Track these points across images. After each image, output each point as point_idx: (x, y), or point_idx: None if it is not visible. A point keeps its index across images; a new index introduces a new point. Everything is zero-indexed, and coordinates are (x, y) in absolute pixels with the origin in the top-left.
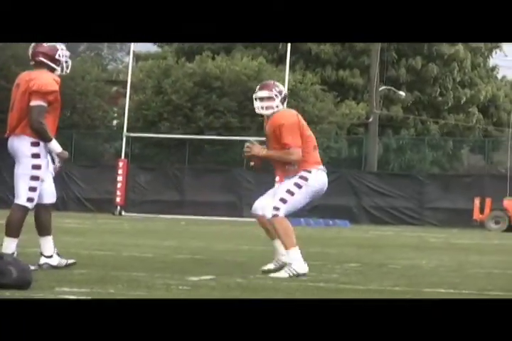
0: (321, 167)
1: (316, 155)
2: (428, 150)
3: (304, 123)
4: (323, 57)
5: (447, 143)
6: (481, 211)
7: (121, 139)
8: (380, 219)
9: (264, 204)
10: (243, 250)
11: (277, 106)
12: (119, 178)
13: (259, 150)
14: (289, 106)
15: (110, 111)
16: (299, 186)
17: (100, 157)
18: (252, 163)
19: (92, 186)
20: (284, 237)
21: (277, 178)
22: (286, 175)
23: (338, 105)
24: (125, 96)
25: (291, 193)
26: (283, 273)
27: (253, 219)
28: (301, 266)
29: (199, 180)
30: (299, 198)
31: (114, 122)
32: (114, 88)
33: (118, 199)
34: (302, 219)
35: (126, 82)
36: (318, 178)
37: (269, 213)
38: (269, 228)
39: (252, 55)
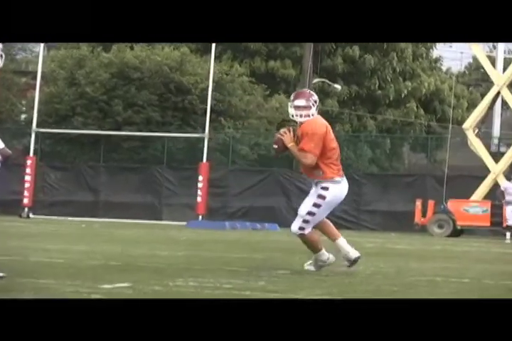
0: (341, 178)
1: (338, 166)
2: (365, 148)
3: (332, 135)
4: (251, 47)
5: (386, 141)
6: (423, 214)
7: (30, 135)
8: None
9: (292, 224)
10: (162, 255)
11: (313, 115)
12: (27, 177)
13: (289, 141)
14: (215, 99)
15: (18, 105)
16: (319, 206)
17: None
18: (275, 146)
19: None
20: (311, 247)
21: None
22: (312, 177)
23: (268, 99)
24: (35, 89)
25: (312, 214)
26: (311, 267)
27: (173, 222)
28: (326, 262)
29: (115, 179)
30: (320, 214)
31: (23, 116)
32: (23, 79)
33: (25, 201)
34: (227, 223)
35: (36, 72)
36: (335, 193)
37: (296, 232)
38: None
39: (174, 44)
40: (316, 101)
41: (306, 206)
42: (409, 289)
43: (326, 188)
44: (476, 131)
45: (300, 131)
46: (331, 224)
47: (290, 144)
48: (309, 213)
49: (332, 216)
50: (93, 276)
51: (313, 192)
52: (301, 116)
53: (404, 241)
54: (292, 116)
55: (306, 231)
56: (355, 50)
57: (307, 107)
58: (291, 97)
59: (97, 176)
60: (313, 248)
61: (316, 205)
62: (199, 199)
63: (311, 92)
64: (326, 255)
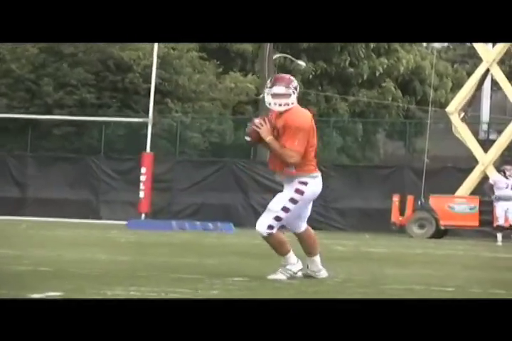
0: (318, 173)
1: (315, 162)
2: (334, 135)
3: (315, 129)
4: None
5: (358, 126)
6: (401, 212)
7: None
8: None
9: (259, 220)
10: (100, 260)
11: (293, 103)
12: None
13: (267, 134)
14: (160, 78)
15: None
16: (295, 202)
17: None
18: (248, 139)
19: None
20: (279, 249)
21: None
22: (287, 173)
23: (222, 77)
24: None
25: (287, 210)
26: (279, 275)
27: (113, 222)
28: (295, 266)
29: (45, 171)
30: (294, 212)
31: None
32: None
33: None
34: (174, 222)
35: None
36: (313, 189)
37: (263, 231)
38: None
39: None
40: (296, 88)
41: (280, 201)
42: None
43: (304, 183)
44: (462, 115)
45: (281, 123)
46: (317, 240)
47: (268, 138)
48: (284, 209)
49: None
50: (20, 284)
51: (289, 187)
52: (279, 105)
53: (380, 244)
54: (269, 104)
55: (275, 231)
56: None
57: (287, 95)
58: (268, 83)
59: (24, 168)
60: (282, 249)
61: (292, 200)
62: (142, 195)
63: (291, 78)
64: (294, 257)
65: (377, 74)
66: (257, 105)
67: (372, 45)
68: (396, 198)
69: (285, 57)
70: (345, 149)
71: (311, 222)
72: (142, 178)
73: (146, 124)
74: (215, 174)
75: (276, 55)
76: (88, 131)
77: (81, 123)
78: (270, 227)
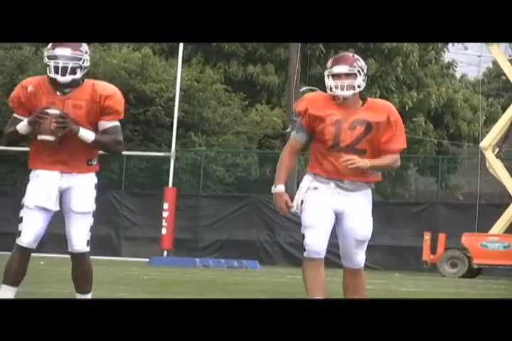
0: None
1: None
2: None
3: None
4: (226, 49)
5: None
6: (433, 250)
7: None
8: (299, 259)
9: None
10: (120, 298)
11: (359, 87)
12: None
13: (363, 162)
14: (183, 111)
15: None
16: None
17: None
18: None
19: None
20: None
21: None
22: (356, 180)
23: (247, 110)
24: None
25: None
26: None
27: (134, 259)
28: None
29: None
30: None
31: None
32: None
33: None
34: (198, 260)
35: None
36: None
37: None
38: None
39: (134, 45)
40: (363, 69)
41: (369, 223)
42: None
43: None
44: (497, 150)
45: (378, 116)
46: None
47: (367, 163)
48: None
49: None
50: None
51: (360, 200)
52: (342, 88)
53: (410, 283)
54: (330, 89)
55: None
56: None
57: (351, 75)
58: (328, 64)
59: None
60: None
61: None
62: (164, 231)
63: (356, 56)
64: None
65: (407, 108)
66: (283, 139)
67: (402, 77)
68: (427, 236)
69: (312, 90)
70: (376, 185)
71: (338, 259)
72: (165, 214)
73: (168, 158)
74: (240, 210)
75: (304, 88)
76: (108, 165)
77: (102, 157)
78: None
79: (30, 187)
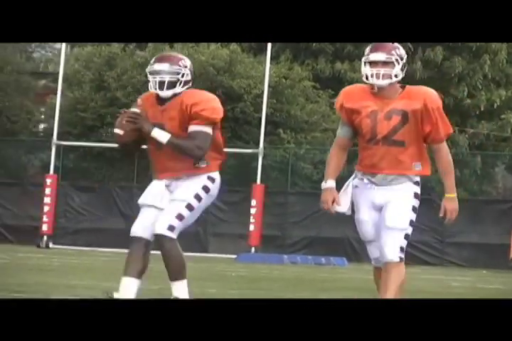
0: None
1: None
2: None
3: None
4: (314, 46)
5: (476, 159)
6: None
7: (50, 149)
8: None
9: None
10: (210, 294)
11: (396, 76)
12: (47, 200)
13: (452, 202)
14: (271, 107)
15: (36, 112)
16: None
17: (22, 172)
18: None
19: (11, 210)
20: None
21: None
22: (400, 174)
23: (335, 108)
24: (55, 93)
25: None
26: None
27: (222, 255)
28: None
29: None
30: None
31: (41, 127)
32: (42, 82)
33: (45, 227)
34: (285, 256)
35: (58, 74)
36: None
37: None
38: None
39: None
40: (402, 58)
41: (401, 213)
42: None
43: (419, 183)
44: None
45: (418, 103)
46: None
47: (454, 194)
48: (411, 223)
49: (411, 247)
50: None
51: (401, 192)
52: (378, 76)
53: (498, 280)
54: (366, 77)
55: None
56: (437, 53)
57: (389, 63)
58: (366, 51)
59: (130, 199)
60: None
61: (415, 210)
62: (252, 227)
63: (395, 44)
64: None
65: (495, 106)
66: None
67: (490, 75)
68: None
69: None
70: (463, 182)
71: (427, 257)
72: (252, 211)
73: (256, 155)
74: None
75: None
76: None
77: None
78: (402, 249)
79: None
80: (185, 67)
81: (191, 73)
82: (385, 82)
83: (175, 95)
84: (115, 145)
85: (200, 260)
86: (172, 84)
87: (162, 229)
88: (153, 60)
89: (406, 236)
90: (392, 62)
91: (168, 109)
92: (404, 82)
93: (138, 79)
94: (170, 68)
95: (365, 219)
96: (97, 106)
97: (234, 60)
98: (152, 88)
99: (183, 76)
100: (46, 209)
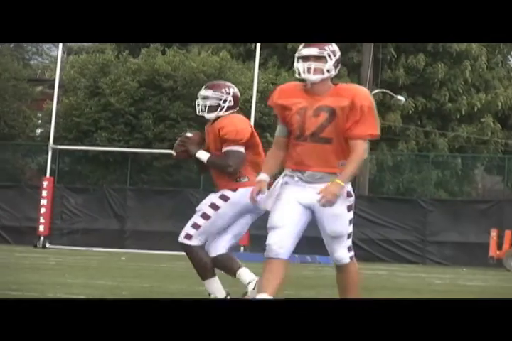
0: None
1: None
2: (432, 170)
3: None
4: None
5: (456, 161)
6: (499, 246)
7: (47, 153)
8: (371, 255)
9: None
10: (200, 292)
11: (328, 72)
12: (43, 202)
13: (339, 186)
14: (260, 112)
15: (33, 118)
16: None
17: (20, 174)
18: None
19: (9, 211)
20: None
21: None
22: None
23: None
24: (52, 99)
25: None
26: None
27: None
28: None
29: (144, 204)
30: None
31: (38, 131)
32: (39, 88)
33: (41, 228)
34: None
35: (54, 80)
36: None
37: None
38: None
39: (213, 49)
40: (334, 54)
41: (338, 219)
42: None
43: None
44: None
45: (346, 100)
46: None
47: (342, 182)
48: (350, 222)
49: (393, 246)
50: None
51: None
52: (309, 71)
53: (478, 278)
54: (298, 73)
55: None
56: (420, 60)
57: (321, 58)
58: (299, 48)
59: (124, 201)
60: None
61: (350, 208)
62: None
63: (330, 43)
64: None
65: (476, 109)
66: None
67: (470, 80)
68: (494, 232)
69: (384, 92)
70: (444, 183)
71: (409, 255)
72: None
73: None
74: None
75: (376, 91)
76: (187, 164)
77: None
78: (349, 249)
79: None
80: (228, 93)
81: (235, 99)
82: (316, 77)
83: (217, 118)
84: (109, 149)
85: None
86: (213, 108)
87: (180, 238)
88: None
89: (349, 236)
90: (324, 56)
91: (209, 131)
92: (389, 88)
93: (131, 85)
94: (213, 94)
95: (284, 205)
96: (92, 112)
97: (224, 66)
98: (197, 111)
99: (224, 102)
100: (43, 210)
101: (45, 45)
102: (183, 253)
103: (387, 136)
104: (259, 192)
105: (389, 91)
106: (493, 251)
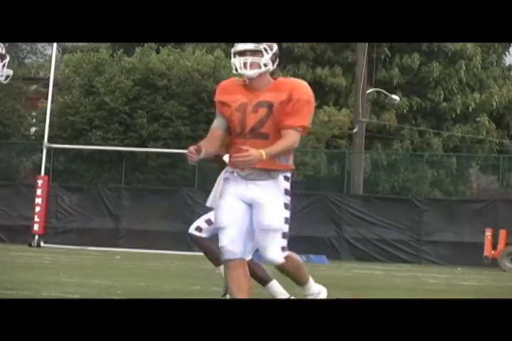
0: None
1: None
2: (427, 169)
3: None
4: (296, 52)
5: (451, 160)
6: (494, 246)
7: (41, 151)
8: (366, 254)
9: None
10: (195, 291)
11: (265, 66)
12: (38, 200)
13: (259, 155)
14: None
15: (27, 116)
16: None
17: (14, 173)
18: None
19: (4, 210)
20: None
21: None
22: (270, 166)
23: (316, 111)
24: (46, 98)
25: (288, 221)
26: None
27: None
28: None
29: (139, 203)
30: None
31: (32, 130)
32: (33, 87)
33: (36, 227)
34: None
35: (48, 79)
36: None
37: (281, 260)
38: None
39: (207, 48)
40: (271, 48)
41: (274, 214)
42: None
43: (288, 179)
44: None
45: (285, 94)
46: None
47: (264, 154)
48: (286, 221)
49: (388, 246)
50: None
51: (269, 187)
52: (245, 66)
53: (472, 277)
54: (235, 69)
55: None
56: (414, 60)
57: (257, 52)
58: (235, 44)
59: (118, 200)
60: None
61: (287, 206)
62: None
63: None
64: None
65: (470, 109)
66: (350, 139)
67: (465, 80)
68: (489, 232)
69: (379, 92)
70: (438, 183)
71: (404, 255)
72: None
73: None
74: (309, 206)
75: (370, 90)
76: (182, 163)
77: (175, 155)
78: (283, 249)
79: None
80: None
81: None
82: (253, 72)
83: None
84: (104, 147)
85: (186, 258)
86: None
87: (191, 229)
88: None
89: (284, 235)
90: (261, 50)
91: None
92: (384, 87)
93: (125, 84)
94: None
95: (228, 204)
96: (86, 111)
97: (218, 65)
98: None
99: None
100: (37, 209)
101: (40, 44)
102: (179, 252)
103: (382, 135)
104: (197, 151)
105: (384, 91)
106: (488, 251)
